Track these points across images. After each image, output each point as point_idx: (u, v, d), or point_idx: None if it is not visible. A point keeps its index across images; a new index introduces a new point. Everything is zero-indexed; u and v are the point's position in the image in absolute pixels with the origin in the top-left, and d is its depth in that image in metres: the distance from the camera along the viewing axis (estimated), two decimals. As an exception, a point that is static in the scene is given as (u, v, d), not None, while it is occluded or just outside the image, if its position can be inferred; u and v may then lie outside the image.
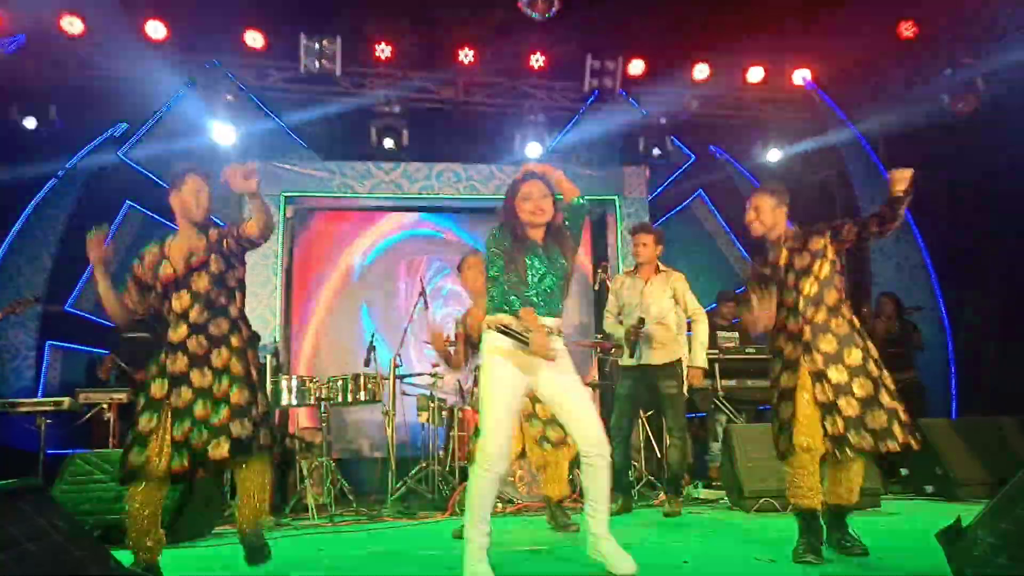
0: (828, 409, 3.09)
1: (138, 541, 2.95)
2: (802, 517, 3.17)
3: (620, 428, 5.00)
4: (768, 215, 3.36)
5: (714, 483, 6.09)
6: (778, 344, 3.29)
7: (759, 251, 3.54)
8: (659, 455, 6.11)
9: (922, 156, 7.27)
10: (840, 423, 3.05)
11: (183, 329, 3.06)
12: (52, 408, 5.47)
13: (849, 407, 3.06)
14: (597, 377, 7.31)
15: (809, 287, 3.23)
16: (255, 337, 3.27)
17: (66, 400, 5.49)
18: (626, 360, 4.99)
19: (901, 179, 3.08)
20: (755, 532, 3.93)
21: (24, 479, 1.91)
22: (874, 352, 3.21)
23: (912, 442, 3.09)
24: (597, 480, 2.92)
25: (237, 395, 3.03)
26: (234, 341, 3.12)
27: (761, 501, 4.67)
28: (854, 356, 3.14)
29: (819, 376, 3.12)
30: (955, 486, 5.04)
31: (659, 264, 5.07)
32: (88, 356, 7.08)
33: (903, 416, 3.11)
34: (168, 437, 2.94)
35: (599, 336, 6.93)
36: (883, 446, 3.05)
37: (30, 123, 6.54)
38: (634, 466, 5.79)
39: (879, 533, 3.84)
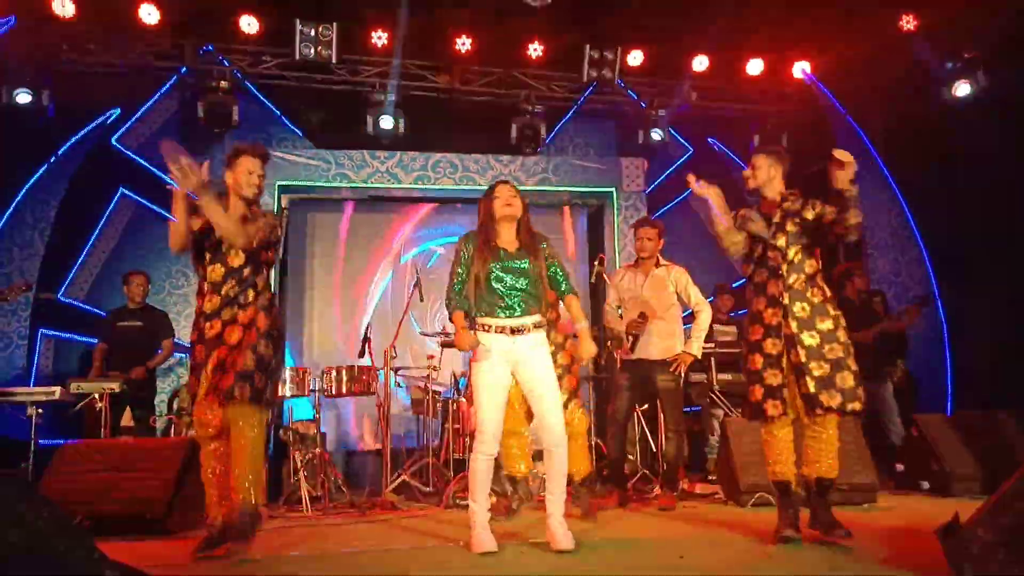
0: (800, 372, 3.26)
1: (217, 505, 3.32)
2: (779, 491, 3.34)
3: (617, 421, 4.99)
4: (763, 172, 3.56)
5: (710, 477, 6.07)
6: (758, 307, 3.43)
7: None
8: (653, 449, 6.08)
9: (921, 150, 7.33)
10: (811, 384, 3.24)
11: (216, 300, 3.37)
12: (44, 398, 5.41)
13: (819, 368, 3.24)
14: (593, 370, 7.27)
15: (795, 253, 3.39)
16: (273, 301, 3.56)
17: (57, 390, 5.43)
18: (625, 354, 4.97)
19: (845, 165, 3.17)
20: (750, 526, 3.90)
21: (6, 471, 1.88)
22: (843, 323, 3.36)
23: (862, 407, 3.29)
24: (556, 466, 3.32)
25: (263, 345, 3.35)
26: (261, 300, 3.44)
27: (756, 495, 4.64)
28: (826, 323, 3.32)
29: (792, 340, 3.30)
30: (951, 481, 5.01)
31: (659, 258, 5.06)
32: (81, 345, 7.03)
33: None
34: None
35: (595, 329, 6.90)
36: (849, 406, 3.23)
37: (22, 102, 6.46)
38: (629, 459, 5.77)
39: (876, 528, 3.82)
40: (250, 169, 3.48)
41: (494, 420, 3.30)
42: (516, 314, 3.34)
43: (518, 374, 3.37)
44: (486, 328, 3.34)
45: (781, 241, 3.40)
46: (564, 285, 3.50)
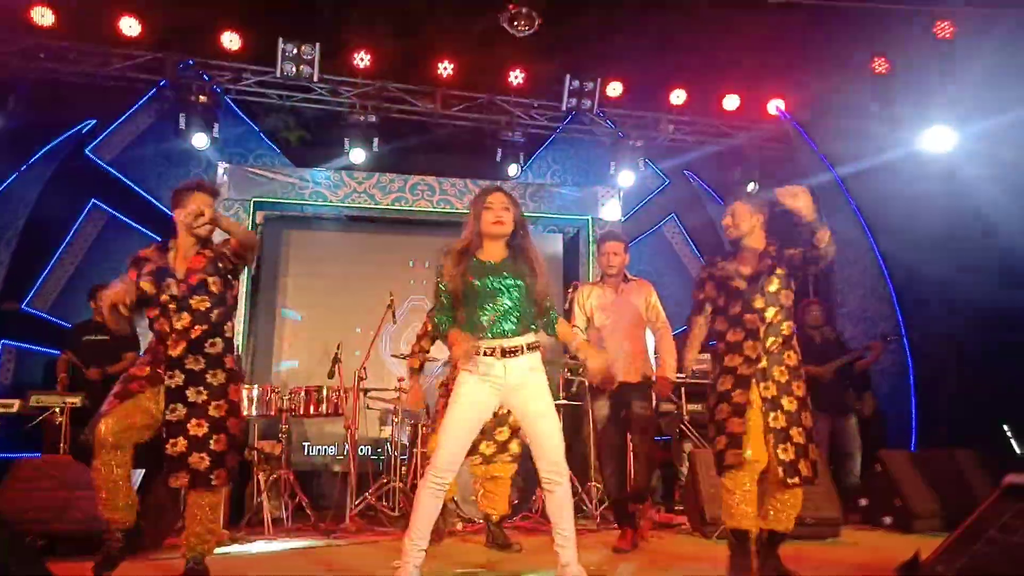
0: (782, 437, 3.20)
1: (110, 503, 3.09)
2: (735, 538, 3.22)
3: (613, 457, 4.58)
4: (746, 222, 3.41)
5: (676, 507, 6.07)
6: (732, 363, 3.31)
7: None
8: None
9: (891, 189, 7.48)
10: (792, 450, 3.19)
11: (182, 347, 3.19)
12: (1, 411, 5.29)
13: (799, 436, 3.22)
14: (564, 397, 7.26)
15: (773, 314, 3.30)
16: (238, 364, 3.46)
17: (16, 403, 5.31)
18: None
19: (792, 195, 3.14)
20: (716, 559, 3.90)
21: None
22: (806, 389, 3.35)
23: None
24: (557, 503, 2.91)
25: (232, 424, 3.24)
26: (227, 362, 3.28)
27: (722, 527, 4.63)
28: (800, 389, 3.29)
29: (774, 403, 3.22)
30: (912, 518, 5.07)
31: (626, 273, 4.72)
32: (44, 357, 6.87)
33: None
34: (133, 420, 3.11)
35: (568, 356, 6.88)
36: (814, 477, 3.26)
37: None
38: (596, 488, 5.74)
39: (840, 565, 3.84)
40: (203, 204, 3.22)
41: (457, 448, 2.90)
42: (507, 334, 2.96)
43: (510, 402, 3.01)
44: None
45: (759, 303, 3.30)
46: (552, 313, 3.15)
